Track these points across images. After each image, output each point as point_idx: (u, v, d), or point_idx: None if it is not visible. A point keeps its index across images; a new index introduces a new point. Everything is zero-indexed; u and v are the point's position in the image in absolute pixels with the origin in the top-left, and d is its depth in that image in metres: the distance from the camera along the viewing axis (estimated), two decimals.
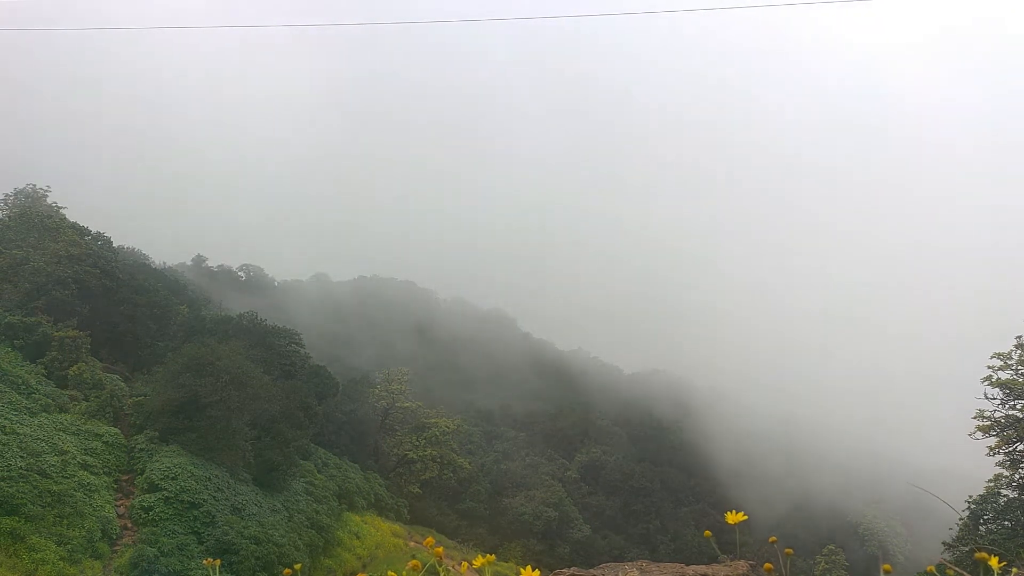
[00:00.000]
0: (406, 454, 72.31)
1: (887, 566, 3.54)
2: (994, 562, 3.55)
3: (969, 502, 37.42)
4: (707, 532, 4.71)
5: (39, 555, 33.10)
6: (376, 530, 56.90)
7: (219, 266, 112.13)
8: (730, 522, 3.59)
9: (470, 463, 75.78)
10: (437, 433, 73.48)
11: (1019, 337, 35.95)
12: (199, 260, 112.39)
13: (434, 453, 72.06)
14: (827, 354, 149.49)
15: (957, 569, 4.28)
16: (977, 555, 3.61)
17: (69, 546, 34.88)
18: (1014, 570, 4.30)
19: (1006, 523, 36.61)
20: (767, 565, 3.55)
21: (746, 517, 3.64)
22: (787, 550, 3.84)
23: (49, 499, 36.00)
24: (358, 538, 53.53)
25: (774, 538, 3.89)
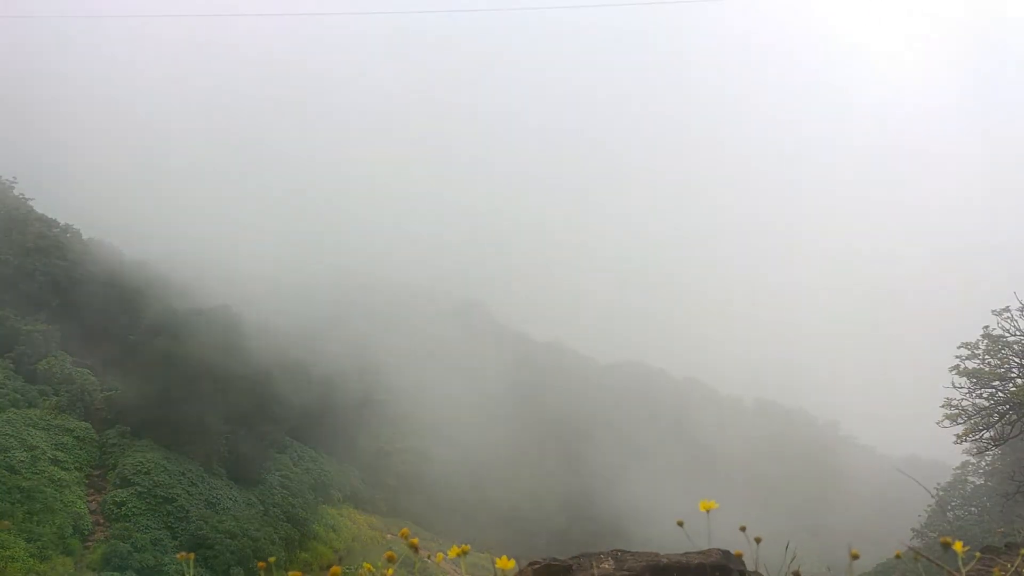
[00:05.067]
0: (382, 447, 72.23)
1: (855, 551, 3.62)
2: (958, 547, 3.65)
3: (937, 489, 38.21)
4: (679, 520, 4.78)
5: (8, 552, 32.67)
6: (352, 523, 56.83)
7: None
8: (702, 510, 3.65)
9: (447, 455, 75.84)
10: (414, 425, 73.52)
11: (986, 328, 36.65)
12: (173, 253, 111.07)
13: (411, 445, 72.11)
14: (792, 344, 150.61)
15: (925, 555, 4.37)
16: (942, 539, 3.71)
17: (39, 543, 34.45)
18: (977, 554, 4.40)
19: (972, 509, 37.48)
20: (737, 552, 3.62)
21: (717, 505, 3.70)
22: (756, 537, 3.91)
23: (18, 495, 35.52)
24: (334, 531, 53.41)
25: (743, 525, 3.96)
